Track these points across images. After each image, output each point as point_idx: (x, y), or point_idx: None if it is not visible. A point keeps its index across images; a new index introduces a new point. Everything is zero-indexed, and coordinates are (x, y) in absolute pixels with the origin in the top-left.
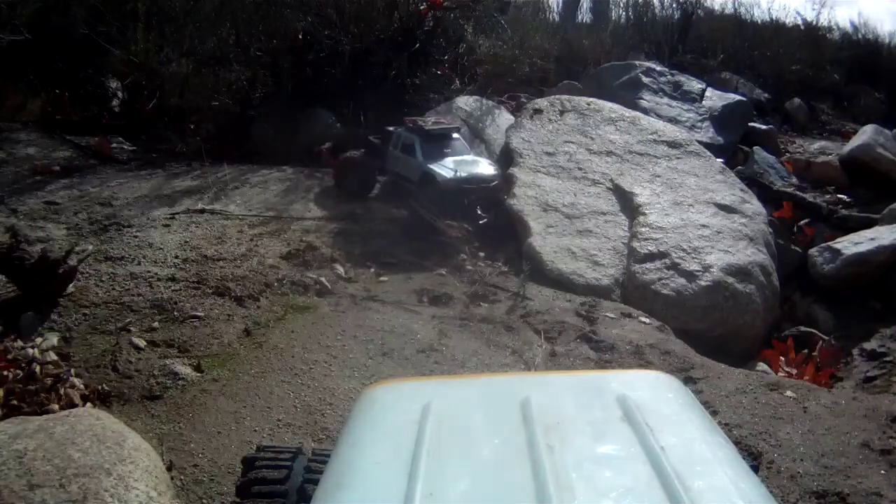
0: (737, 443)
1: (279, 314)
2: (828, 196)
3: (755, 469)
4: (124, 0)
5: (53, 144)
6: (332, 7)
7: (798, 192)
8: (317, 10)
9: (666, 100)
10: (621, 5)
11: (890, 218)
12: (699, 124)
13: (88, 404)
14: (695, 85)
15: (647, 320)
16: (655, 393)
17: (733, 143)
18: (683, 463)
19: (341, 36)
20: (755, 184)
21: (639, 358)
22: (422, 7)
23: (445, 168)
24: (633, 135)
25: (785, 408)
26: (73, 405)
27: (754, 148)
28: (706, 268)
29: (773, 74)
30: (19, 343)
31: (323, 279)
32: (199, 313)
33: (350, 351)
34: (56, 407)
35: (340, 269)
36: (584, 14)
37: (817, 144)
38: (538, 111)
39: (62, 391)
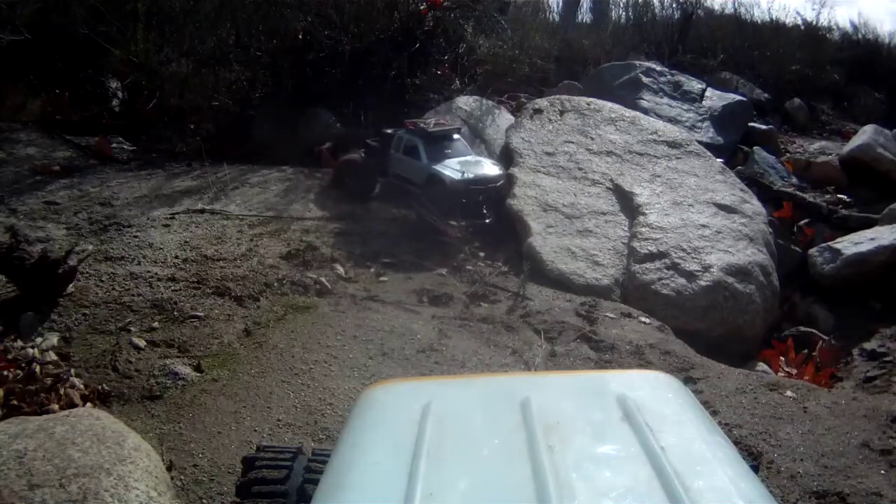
0: (737, 443)
1: (279, 314)
2: (828, 196)
3: (755, 469)
4: (124, 0)
5: (53, 144)
6: (332, 7)
7: (798, 192)
8: (317, 10)
9: (666, 100)
10: (621, 5)
11: (890, 218)
12: (699, 124)
13: (88, 404)
14: (695, 85)
15: (647, 320)
16: (655, 393)
17: (733, 143)
18: (683, 463)
19: (341, 36)
20: (755, 184)
21: (639, 358)
22: (422, 7)
23: (452, 169)
24: (633, 135)
25: (785, 408)
26: (73, 405)
27: (754, 148)
28: (706, 268)
29: (773, 74)
30: (19, 343)
31: (323, 279)
32: (199, 313)
33: (350, 351)
34: (56, 407)
35: (340, 269)
36: (584, 14)
37: (817, 144)
38: (538, 111)
39: (62, 391)
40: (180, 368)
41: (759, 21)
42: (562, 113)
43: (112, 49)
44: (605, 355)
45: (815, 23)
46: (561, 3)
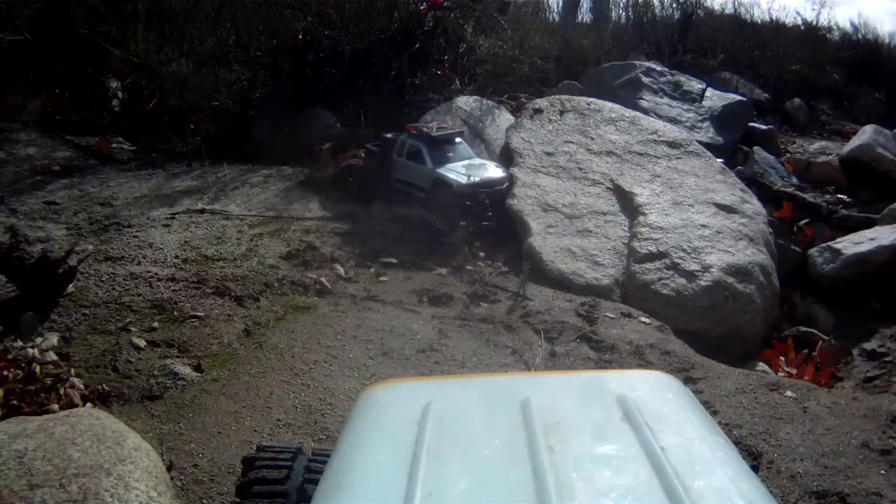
0: (737, 443)
1: (279, 314)
2: (828, 196)
3: (755, 469)
4: (124, 0)
5: (53, 144)
6: (332, 7)
7: (798, 192)
8: (317, 10)
9: (666, 100)
10: (621, 5)
11: (890, 218)
12: (699, 124)
13: (88, 404)
14: (695, 85)
15: (647, 320)
16: (655, 393)
17: (733, 143)
18: (683, 463)
19: (341, 36)
20: (755, 184)
21: (639, 358)
22: (422, 7)
23: (457, 173)
24: (633, 135)
25: (785, 408)
26: (73, 405)
27: (754, 148)
28: (706, 268)
29: (773, 74)
30: (19, 343)
31: (323, 279)
32: (199, 313)
33: (350, 351)
34: (56, 407)
35: (340, 269)
36: (584, 14)
37: (817, 144)
38: (538, 111)
39: (62, 391)
40: (180, 368)
41: (759, 21)
42: (562, 113)
43: (112, 49)
44: (605, 355)
45: (815, 23)
46: (561, 3)
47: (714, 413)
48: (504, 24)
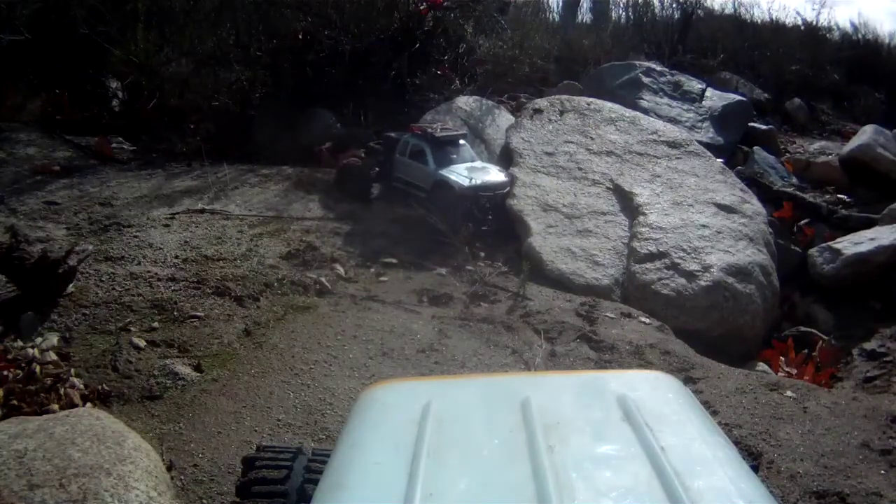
0: (737, 443)
1: (279, 314)
2: (828, 196)
3: (755, 469)
4: (124, 0)
5: (53, 144)
6: (332, 7)
7: (798, 192)
8: (317, 10)
9: (666, 100)
10: (621, 5)
11: (890, 218)
12: (699, 124)
13: (88, 404)
14: (695, 85)
15: (647, 320)
16: (655, 393)
17: (733, 143)
18: (683, 463)
19: (341, 36)
20: (755, 184)
21: (639, 358)
22: (422, 7)
23: (459, 175)
24: (633, 135)
25: (785, 408)
26: (73, 405)
27: (754, 148)
28: (706, 268)
29: (773, 74)
30: (19, 343)
31: (323, 279)
32: (199, 313)
33: (350, 351)
34: (56, 407)
35: (340, 269)
36: (584, 14)
37: (817, 144)
38: (538, 111)
39: (62, 391)
40: (180, 368)
41: (759, 21)
42: (562, 113)
43: (112, 49)
44: (605, 355)
45: (815, 23)
46: (561, 3)
47: (714, 413)
48: (504, 24)
